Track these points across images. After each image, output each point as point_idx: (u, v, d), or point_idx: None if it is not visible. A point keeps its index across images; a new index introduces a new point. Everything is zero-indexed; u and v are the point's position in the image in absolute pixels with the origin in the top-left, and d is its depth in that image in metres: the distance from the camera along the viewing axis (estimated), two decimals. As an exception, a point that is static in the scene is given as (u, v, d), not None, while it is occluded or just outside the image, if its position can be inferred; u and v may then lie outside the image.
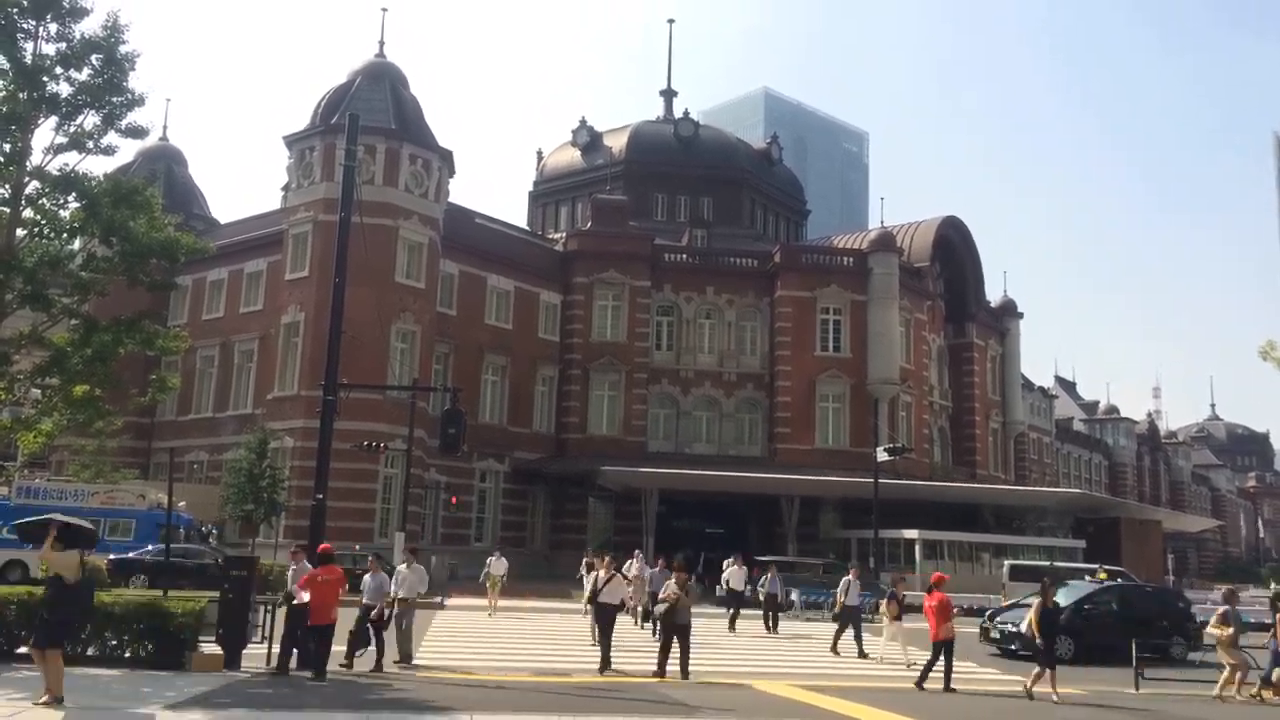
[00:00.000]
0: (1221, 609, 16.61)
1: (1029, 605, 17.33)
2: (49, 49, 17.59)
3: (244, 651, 14.57)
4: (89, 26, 17.76)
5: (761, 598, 26.62)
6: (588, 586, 19.08)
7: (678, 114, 69.61)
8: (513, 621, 25.43)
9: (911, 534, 43.90)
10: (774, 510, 46.73)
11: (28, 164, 17.68)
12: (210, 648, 14.38)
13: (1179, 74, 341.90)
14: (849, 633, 21.31)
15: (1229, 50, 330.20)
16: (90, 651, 14.20)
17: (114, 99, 17.70)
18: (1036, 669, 15.28)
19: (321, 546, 14.97)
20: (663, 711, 12.37)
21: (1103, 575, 31.14)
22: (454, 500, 42.39)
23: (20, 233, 17.87)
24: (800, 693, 14.46)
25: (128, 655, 14.18)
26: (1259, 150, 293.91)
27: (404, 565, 17.19)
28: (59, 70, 17.54)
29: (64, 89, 17.62)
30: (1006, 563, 38.98)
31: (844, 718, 12.60)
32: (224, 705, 11.36)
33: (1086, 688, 16.46)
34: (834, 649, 21.06)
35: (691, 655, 15.65)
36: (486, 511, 47.34)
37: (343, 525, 34.40)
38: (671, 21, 74.02)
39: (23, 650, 14.30)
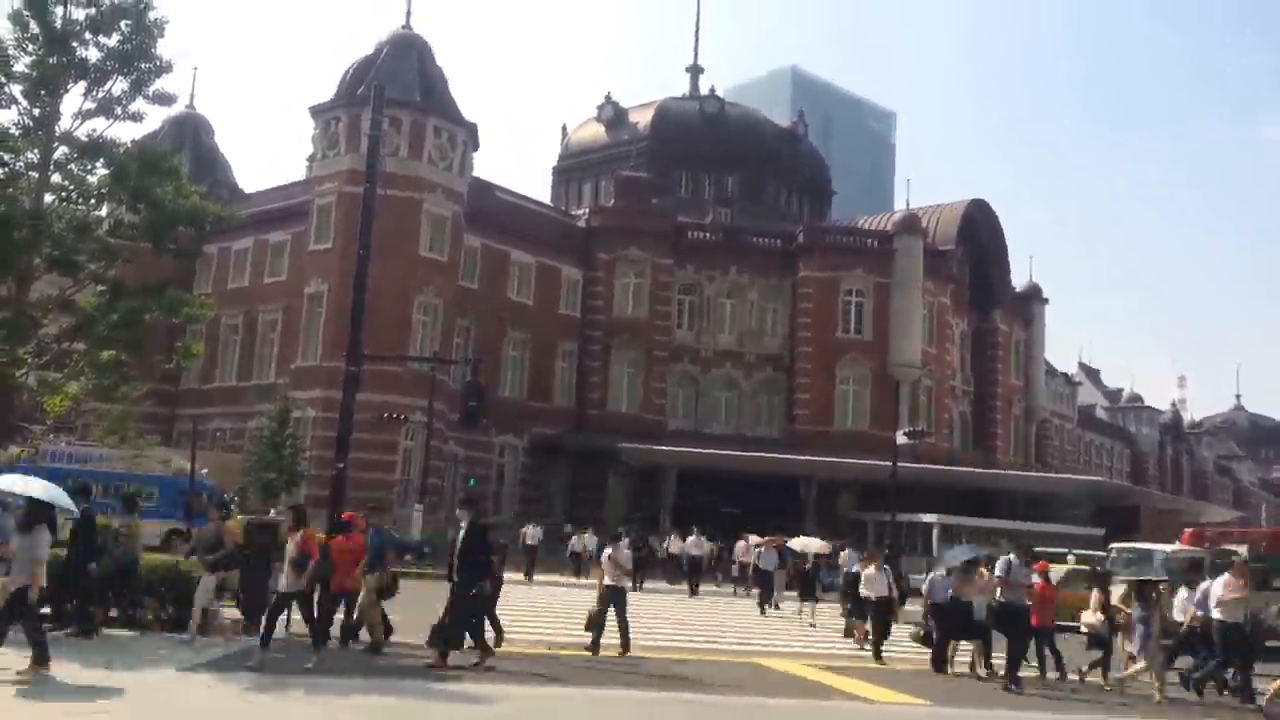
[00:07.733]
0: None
1: None
2: (79, 14, 17.65)
3: (264, 617, 14.71)
4: (118, -8, 17.81)
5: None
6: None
7: (704, 91, 69.17)
8: (533, 594, 25.59)
9: (930, 518, 43.79)
10: (791, 491, 46.69)
11: (57, 129, 17.80)
12: (231, 613, 14.60)
13: (1208, 53, 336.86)
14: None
15: (1263, 25, 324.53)
16: (112, 614, 14.41)
17: (142, 65, 17.77)
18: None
19: (346, 515, 15.04)
20: (671, 686, 12.44)
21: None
22: (472, 480, 42.60)
23: (49, 198, 18.01)
24: (811, 671, 14.50)
25: (149, 618, 14.39)
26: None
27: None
28: (88, 35, 17.60)
29: (93, 54, 17.72)
30: (1025, 549, 38.82)
31: (850, 695, 12.63)
32: (235, 669, 11.50)
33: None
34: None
35: (707, 634, 15.70)
36: (505, 485, 47.61)
37: (362, 495, 34.52)
38: (699, -4, 73.56)
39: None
